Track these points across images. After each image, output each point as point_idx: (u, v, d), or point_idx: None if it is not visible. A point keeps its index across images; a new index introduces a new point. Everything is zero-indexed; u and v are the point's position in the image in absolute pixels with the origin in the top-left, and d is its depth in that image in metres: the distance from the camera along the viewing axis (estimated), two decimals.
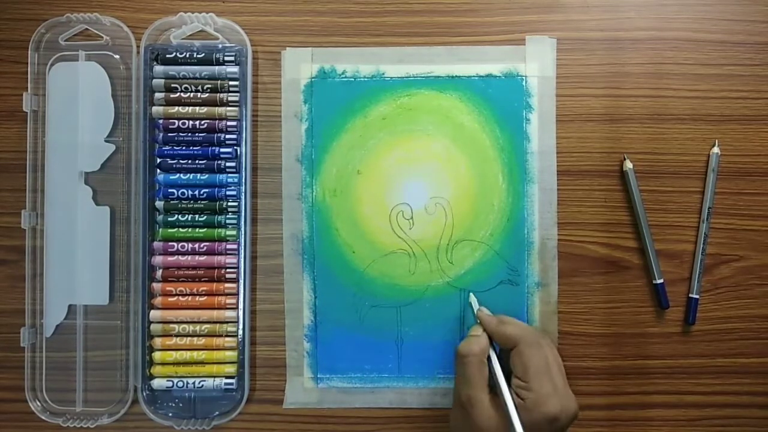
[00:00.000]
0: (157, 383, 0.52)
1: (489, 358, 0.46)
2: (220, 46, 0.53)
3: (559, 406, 0.42)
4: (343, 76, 0.53)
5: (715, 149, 0.52)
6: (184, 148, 0.52)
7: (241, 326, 0.52)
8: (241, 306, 0.52)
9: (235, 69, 0.52)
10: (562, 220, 0.53)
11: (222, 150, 0.52)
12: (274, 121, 0.53)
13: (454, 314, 0.53)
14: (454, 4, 0.53)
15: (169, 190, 0.52)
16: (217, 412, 0.52)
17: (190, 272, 0.52)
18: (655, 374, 0.53)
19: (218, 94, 0.52)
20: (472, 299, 0.51)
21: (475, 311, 0.49)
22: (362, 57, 0.53)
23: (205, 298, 0.52)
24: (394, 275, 0.53)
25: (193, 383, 0.52)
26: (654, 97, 0.53)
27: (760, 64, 0.53)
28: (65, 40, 0.53)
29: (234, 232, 0.52)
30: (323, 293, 0.53)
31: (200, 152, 0.52)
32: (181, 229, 0.52)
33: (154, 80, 0.52)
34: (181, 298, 0.52)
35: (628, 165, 0.52)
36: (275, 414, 0.53)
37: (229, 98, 0.52)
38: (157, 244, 0.52)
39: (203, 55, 0.52)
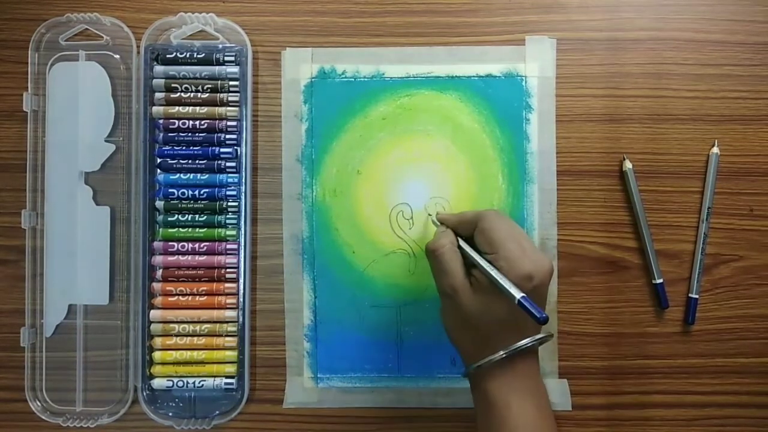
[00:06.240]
0: (157, 383, 0.52)
1: (458, 246, 0.45)
2: (220, 46, 0.53)
3: (531, 265, 0.41)
4: (343, 76, 0.53)
5: (715, 149, 0.52)
6: (184, 148, 0.52)
7: (241, 326, 0.52)
8: (241, 306, 0.52)
9: (235, 69, 0.52)
10: (562, 220, 0.53)
11: (222, 150, 0.52)
12: (274, 121, 0.53)
13: None
14: (454, 4, 0.53)
15: (169, 190, 0.52)
16: (217, 412, 0.52)
17: (190, 272, 0.52)
18: (655, 374, 0.53)
19: (218, 94, 0.52)
20: (432, 215, 0.51)
21: (435, 217, 0.49)
22: (362, 57, 0.53)
23: (205, 298, 0.52)
24: (394, 275, 0.53)
25: (193, 383, 0.52)
26: (654, 97, 0.53)
27: (760, 64, 0.53)
28: (65, 40, 0.53)
29: (234, 232, 0.52)
30: (323, 293, 0.53)
31: (200, 152, 0.52)
32: (181, 229, 0.52)
33: (154, 80, 0.52)
34: (181, 298, 0.52)
35: (628, 165, 0.52)
36: (275, 414, 0.53)
37: (230, 98, 0.52)
38: (157, 244, 0.52)
39: (203, 55, 0.52)
